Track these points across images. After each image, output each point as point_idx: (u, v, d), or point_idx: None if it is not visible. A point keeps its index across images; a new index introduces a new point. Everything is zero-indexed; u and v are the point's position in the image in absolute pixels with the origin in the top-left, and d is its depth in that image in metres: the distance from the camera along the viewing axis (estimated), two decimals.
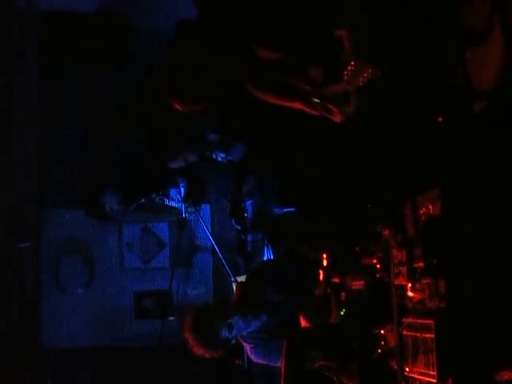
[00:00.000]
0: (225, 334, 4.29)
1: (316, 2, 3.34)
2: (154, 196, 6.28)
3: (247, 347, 4.61)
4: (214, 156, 5.69)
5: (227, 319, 4.29)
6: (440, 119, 3.47)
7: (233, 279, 6.07)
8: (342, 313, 3.78)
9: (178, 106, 3.63)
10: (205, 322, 4.27)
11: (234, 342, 4.42)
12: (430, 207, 2.97)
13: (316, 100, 3.33)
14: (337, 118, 3.38)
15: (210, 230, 6.70)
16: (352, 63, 2.83)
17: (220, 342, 4.30)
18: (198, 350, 4.25)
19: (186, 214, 6.30)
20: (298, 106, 3.61)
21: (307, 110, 3.57)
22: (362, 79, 2.91)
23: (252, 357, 4.66)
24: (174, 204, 6.34)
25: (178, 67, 3.53)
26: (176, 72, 3.53)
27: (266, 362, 4.61)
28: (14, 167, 5.92)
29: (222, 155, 5.64)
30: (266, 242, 5.72)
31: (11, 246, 5.99)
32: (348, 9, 3.25)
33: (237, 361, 6.04)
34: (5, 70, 5.70)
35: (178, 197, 6.27)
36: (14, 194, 5.93)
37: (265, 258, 5.66)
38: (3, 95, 5.63)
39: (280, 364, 4.31)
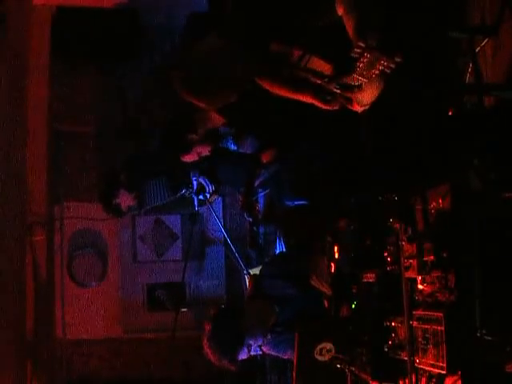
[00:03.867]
0: (243, 355, 4.37)
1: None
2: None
3: None
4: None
5: (248, 345, 4.35)
6: (450, 113, 3.48)
7: (245, 271, 6.09)
8: (353, 305, 3.81)
9: (201, 104, 3.63)
10: (224, 345, 4.32)
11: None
12: (440, 201, 2.99)
13: (337, 90, 3.28)
14: (356, 108, 3.34)
15: (222, 222, 6.72)
16: (365, 54, 2.81)
17: (238, 360, 4.37)
18: (216, 363, 4.34)
19: (198, 208, 6.29)
20: (308, 99, 3.61)
21: (318, 103, 3.57)
22: (374, 71, 2.89)
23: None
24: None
25: (191, 64, 3.54)
26: (190, 70, 3.54)
27: (274, 353, 4.64)
28: (27, 161, 5.95)
29: (234, 148, 5.63)
30: (277, 234, 5.73)
31: (25, 239, 6.03)
32: None
33: None
34: (17, 66, 5.73)
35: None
36: (26, 187, 5.96)
37: (277, 251, 5.67)
38: (15, 91, 5.66)
39: (288, 356, 4.35)
